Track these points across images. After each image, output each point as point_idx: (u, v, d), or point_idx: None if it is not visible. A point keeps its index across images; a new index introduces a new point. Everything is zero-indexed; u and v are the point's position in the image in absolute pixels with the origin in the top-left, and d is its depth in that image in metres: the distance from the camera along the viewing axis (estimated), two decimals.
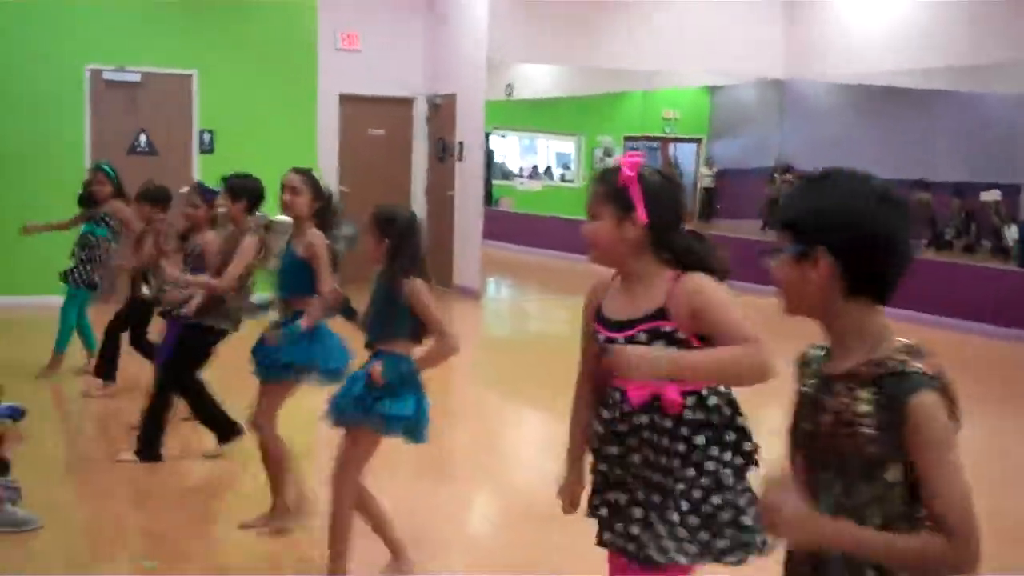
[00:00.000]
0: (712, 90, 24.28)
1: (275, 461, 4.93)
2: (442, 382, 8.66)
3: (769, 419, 2.77)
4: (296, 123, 12.11)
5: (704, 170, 24.93)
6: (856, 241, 1.85)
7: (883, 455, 1.82)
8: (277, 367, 4.76)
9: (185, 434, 6.46)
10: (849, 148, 21.50)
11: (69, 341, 7.97)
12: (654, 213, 2.63)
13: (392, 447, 5.56)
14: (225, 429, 6.12)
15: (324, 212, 4.96)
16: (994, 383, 9.13)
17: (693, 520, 2.60)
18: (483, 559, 4.84)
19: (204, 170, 11.09)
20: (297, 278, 4.80)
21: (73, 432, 7.01)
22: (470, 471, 6.04)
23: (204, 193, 6.08)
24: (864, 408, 1.83)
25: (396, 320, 4.12)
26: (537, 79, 19.92)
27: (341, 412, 4.14)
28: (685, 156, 25.66)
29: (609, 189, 2.68)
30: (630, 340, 2.59)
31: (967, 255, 17.26)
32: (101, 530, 5.06)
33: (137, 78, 11.73)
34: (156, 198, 7.04)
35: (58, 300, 8.02)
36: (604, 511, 2.74)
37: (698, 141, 25.27)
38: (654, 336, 2.59)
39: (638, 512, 2.65)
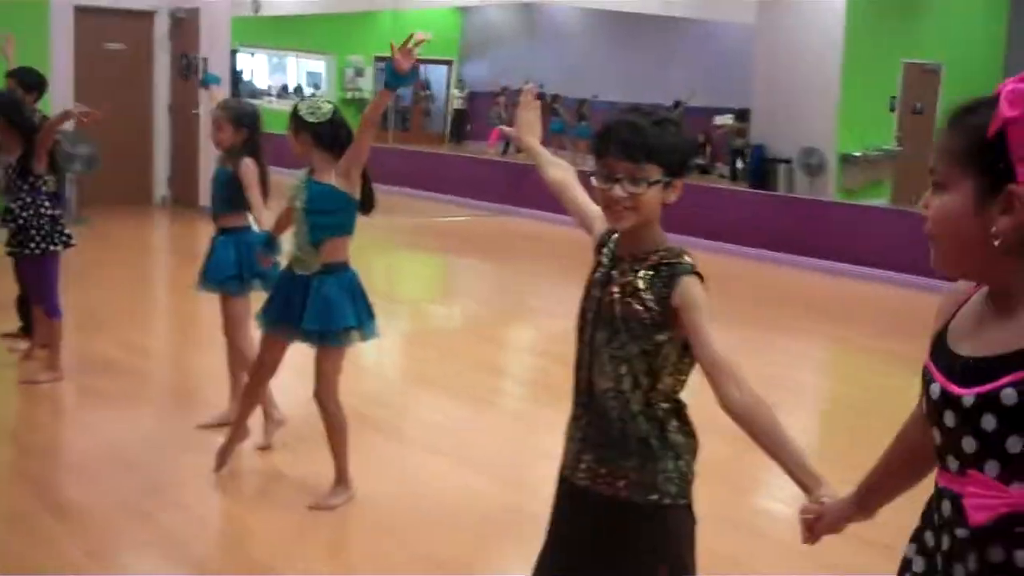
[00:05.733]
0: (463, 12, 24.32)
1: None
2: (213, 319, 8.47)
3: None
4: (26, 36, 11.34)
5: (455, 92, 25.04)
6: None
7: (654, 321, 2.26)
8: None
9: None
10: (595, 71, 22.10)
11: None
12: None
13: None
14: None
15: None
16: (756, 304, 9.66)
17: None
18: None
19: None
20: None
21: None
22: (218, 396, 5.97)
23: None
24: (643, 284, 2.28)
25: None
26: None
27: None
28: (436, 78, 25.68)
29: (970, 141, 1.56)
30: (985, 401, 1.54)
31: (703, 178, 18.07)
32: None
33: None
34: None
35: None
36: None
37: (449, 63, 25.31)
38: None
39: None
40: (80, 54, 12.95)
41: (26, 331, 6.65)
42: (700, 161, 19.21)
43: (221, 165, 5.17)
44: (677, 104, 18.37)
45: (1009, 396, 1.51)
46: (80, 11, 12.89)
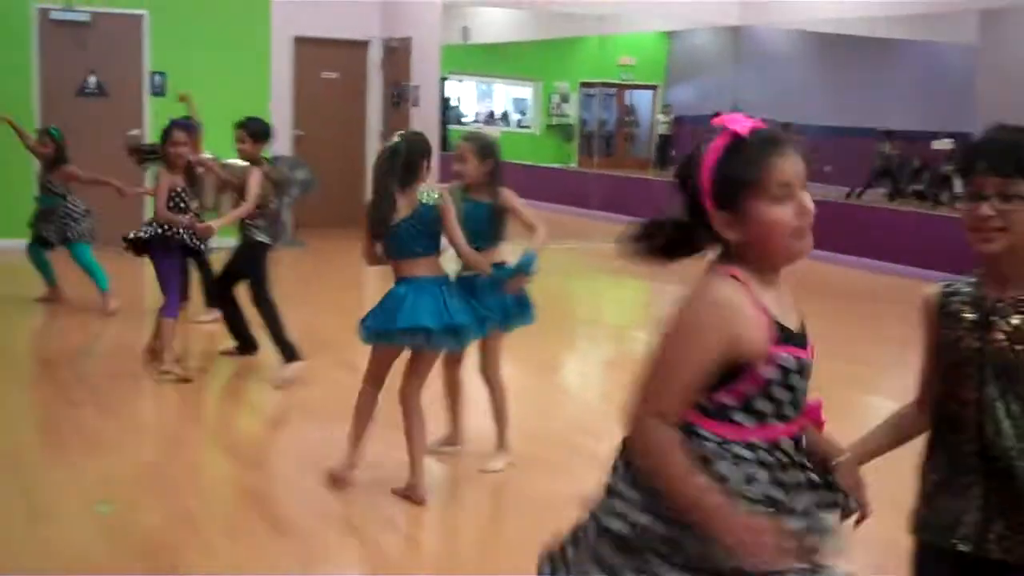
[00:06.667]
0: (669, 36, 24.21)
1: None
2: None
3: None
4: (249, 66, 11.94)
5: (660, 117, 24.94)
6: None
7: None
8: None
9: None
10: (803, 95, 21.60)
11: (103, 277, 8.37)
12: None
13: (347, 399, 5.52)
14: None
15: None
16: None
17: None
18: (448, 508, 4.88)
19: (156, 113, 10.93)
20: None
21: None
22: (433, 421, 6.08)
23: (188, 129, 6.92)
24: None
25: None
26: (493, 23, 19.77)
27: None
28: (642, 103, 25.64)
29: None
30: None
31: (919, 203, 17.39)
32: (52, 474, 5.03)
33: (86, 18, 11.50)
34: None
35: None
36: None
37: (654, 88, 25.23)
38: None
39: None
40: (298, 82, 13.50)
41: (242, 349, 7.00)
42: (919, 187, 18.50)
43: (470, 199, 4.91)
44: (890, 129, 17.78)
45: None
46: (299, 41, 13.45)
